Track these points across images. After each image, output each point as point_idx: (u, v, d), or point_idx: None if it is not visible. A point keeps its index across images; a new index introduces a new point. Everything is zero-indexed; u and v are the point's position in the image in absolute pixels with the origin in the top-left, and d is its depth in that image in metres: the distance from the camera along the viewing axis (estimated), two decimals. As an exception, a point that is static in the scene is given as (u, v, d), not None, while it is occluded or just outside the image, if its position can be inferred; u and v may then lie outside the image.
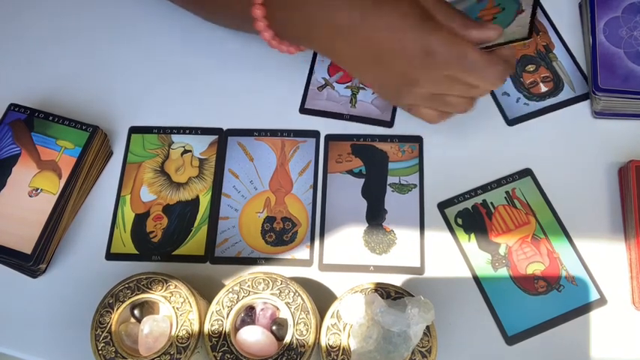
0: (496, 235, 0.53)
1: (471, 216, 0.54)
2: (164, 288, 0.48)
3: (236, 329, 0.47)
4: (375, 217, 0.55)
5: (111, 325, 0.46)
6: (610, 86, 0.55)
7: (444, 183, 0.55)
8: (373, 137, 0.58)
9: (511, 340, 0.50)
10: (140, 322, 0.47)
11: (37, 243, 0.50)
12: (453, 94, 0.49)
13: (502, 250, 0.52)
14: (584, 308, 0.50)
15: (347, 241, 0.54)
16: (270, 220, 0.55)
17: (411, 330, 0.43)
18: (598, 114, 0.58)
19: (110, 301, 0.47)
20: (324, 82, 0.61)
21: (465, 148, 0.57)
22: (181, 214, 0.55)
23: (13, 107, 0.56)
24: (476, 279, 0.52)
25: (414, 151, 0.57)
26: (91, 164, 0.55)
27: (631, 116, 0.57)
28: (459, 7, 0.50)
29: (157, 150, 0.58)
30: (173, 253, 0.54)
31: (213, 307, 0.47)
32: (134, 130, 0.59)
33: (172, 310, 0.47)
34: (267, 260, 0.54)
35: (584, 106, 0.59)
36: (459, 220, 0.54)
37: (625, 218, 0.53)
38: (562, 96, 0.59)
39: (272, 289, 0.47)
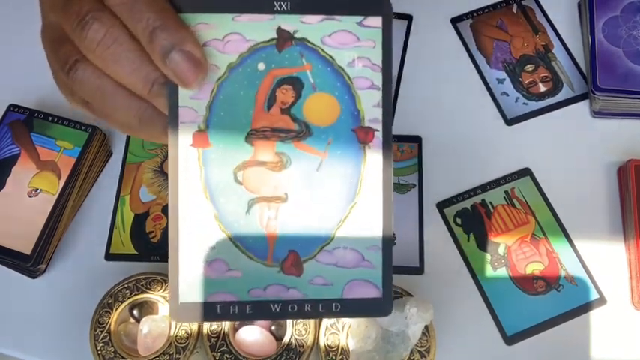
0: (495, 235, 0.53)
1: (470, 216, 0.54)
2: (163, 288, 0.48)
3: (235, 329, 0.47)
4: (374, 217, 0.54)
5: (110, 325, 0.46)
6: (609, 86, 0.55)
7: (443, 183, 0.55)
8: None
9: (510, 339, 0.49)
10: (139, 322, 0.47)
11: (37, 243, 0.50)
12: None
13: (501, 250, 0.52)
14: (584, 308, 0.50)
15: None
16: (269, 220, 0.55)
17: (409, 330, 0.43)
18: (597, 113, 0.58)
19: (109, 301, 0.47)
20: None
21: (463, 148, 0.57)
22: (180, 214, 0.55)
23: (12, 108, 0.56)
24: (475, 279, 0.52)
25: (413, 151, 0.57)
26: (91, 165, 0.55)
27: (630, 116, 0.57)
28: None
29: (156, 150, 0.58)
30: (172, 253, 0.54)
31: (212, 307, 0.47)
32: (133, 130, 0.59)
33: (171, 310, 0.47)
34: (267, 260, 0.53)
35: (583, 106, 0.59)
36: (458, 220, 0.54)
37: (624, 218, 0.53)
38: (561, 95, 0.59)
39: (271, 288, 0.47)
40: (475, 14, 0.63)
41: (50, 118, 0.55)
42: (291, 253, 0.30)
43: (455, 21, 0.63)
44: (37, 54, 0.63)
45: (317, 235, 0.30)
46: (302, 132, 0.29)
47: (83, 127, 0.55)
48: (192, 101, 0.29)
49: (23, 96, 0.59)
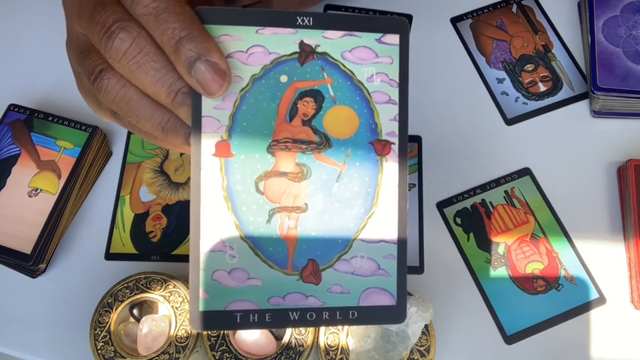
0: (495, 235, 0.53)
1: (470, 215, 0.54)
2: (163, 288, 0.48)
3: (235, 329, 0.47)
4: (374, 216, 0.54)
5: (110, 325, 0.46)
6: (609, 85, 0.55)
7: (442, 183, 0.55)
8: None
9: (510, 339, 0.49)
10: (139, 322, 0.47)
11: (37, 243, 0.50)
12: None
13: (501, 250, 0.52)
14: (583, 307, 0.50)
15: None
16: (269, 220, 0.55)
17: (409, 329, 0.43)
18: (597, 113, 0.58)
19: (109, 301, 0.47)
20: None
21: (463, 148, 0.57)
22: (180, 214, 0.55)
23: (12, 107, 0.56)
24: (475, 278, 0.52)
25: (413, 151, 0.57)
26: (91, 164, 0.55)
27: (630, 115, 0.57)
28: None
29: (156, 150, 0.58)
30: (172, 253, 0.54)
31: (212, 306, 0.47)
32: (133, 130, 0.59)
33: (171, 310, 0.47)
34: (266, 260, 0.53)
35: (583, 106, 0.59)
36: (458, 220, 0.54)
37: (624, 217, 0.53)
38: (561, 95, 0.59)
39: (271, 288, 0.47)
40: (475, 14, 0.63)
41: (50, 118, 0.55)
42: (310, 261, 0.30)
43: (455, 21, 0.63)
44: (38, 54, 0.63)
45: (335, 244, 0.31)
46: (322, 143, 0.30)
47: (83, 127, 0.55)
48: (216, 111, 0.29)
49: (23, 96, 0.59)
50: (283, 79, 0.30)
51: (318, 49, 0.30)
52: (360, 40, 0.30)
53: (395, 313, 0.31)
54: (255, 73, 0.30)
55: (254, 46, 0.29)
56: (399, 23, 0.31)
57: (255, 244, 0.30)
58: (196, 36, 0.28)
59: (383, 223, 0.31)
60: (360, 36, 0.30)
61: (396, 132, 0.31)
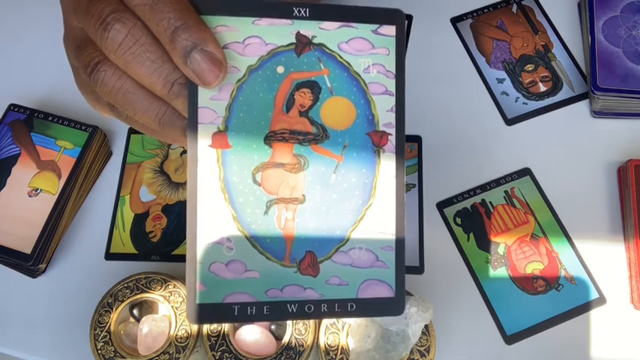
0: (495, 235, 0.53)
1: (470, 215, 0.54)
2: (163, 288, 0.48)
3: (235, 328, 0.47)
4: (374, 216, 0.54)
5: (110, 325, 0.46)
6: (609, 85, 0.55)
7: (442, 183, 0.55)
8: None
9: (510, 339, 0.49)
10: (139, 322, 0.47)
11: (37, 243, 0.50)
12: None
13: (501, 250, 0.52)
14: (583, 307, 0.50)
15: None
16: (269, 220, 0.55)
17: (409, 329, 0.43)
18: (597, 113, 0.58)
19: (109, 301, 0.47)
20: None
21: (463, 148, 0.57)
22: (180, 214, 0.55)
23: (12, 107, 0.56)
24: (475, 278, 0.52)
25: (413, 151, 0.57)
26: (91, 164, 0.55)
27: (630, 115, 0.57)
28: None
29: (156, 150, 0.58)
30: (172, 253, 0.54)
31: (212, 306, 0.47)
32: (133, 130, 0.59)
33: (171, 310, 0.47)
34: (266, 260, 0.53)
35: (583, 106, 0.59)
36: (458, 220, 0.54)
37: (624, 217, 0.53)
38: (561, 95, 0.59)
39: (271, 288, 0.47)
40: (475, 14, 0.63)
41: (50, 118, 0.55)
42: (308, 253, 0.30)
43: (455, 21, 0.63)
44: (38, 54, 0.63)
45: (333, 236, 0.30)
46: (319, 135, 0.30)
47: (83, 127, 0.55)
48: (212, 102, 0.29)
49: (23, 96, 0.59)
50: (280, 70, 0.29)
51: (315, 40, 0.30)
52: (356, 31, 0.30)
53: (393, 305, 0.30)
54: (251, 64, 0.29)
55: (250, 37, 0.29)
56: (395, 14, 0.31)
57: (253, 235, 0.30)
58: (192, 26, 0.28)
59: (381, 214, 0.30)
60: (356, 27, 0.30)
61: (393, 123, 0.31)
